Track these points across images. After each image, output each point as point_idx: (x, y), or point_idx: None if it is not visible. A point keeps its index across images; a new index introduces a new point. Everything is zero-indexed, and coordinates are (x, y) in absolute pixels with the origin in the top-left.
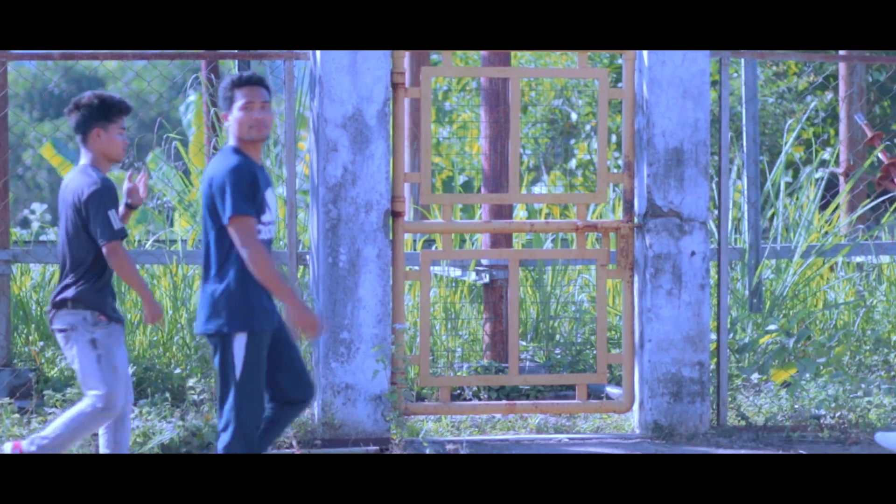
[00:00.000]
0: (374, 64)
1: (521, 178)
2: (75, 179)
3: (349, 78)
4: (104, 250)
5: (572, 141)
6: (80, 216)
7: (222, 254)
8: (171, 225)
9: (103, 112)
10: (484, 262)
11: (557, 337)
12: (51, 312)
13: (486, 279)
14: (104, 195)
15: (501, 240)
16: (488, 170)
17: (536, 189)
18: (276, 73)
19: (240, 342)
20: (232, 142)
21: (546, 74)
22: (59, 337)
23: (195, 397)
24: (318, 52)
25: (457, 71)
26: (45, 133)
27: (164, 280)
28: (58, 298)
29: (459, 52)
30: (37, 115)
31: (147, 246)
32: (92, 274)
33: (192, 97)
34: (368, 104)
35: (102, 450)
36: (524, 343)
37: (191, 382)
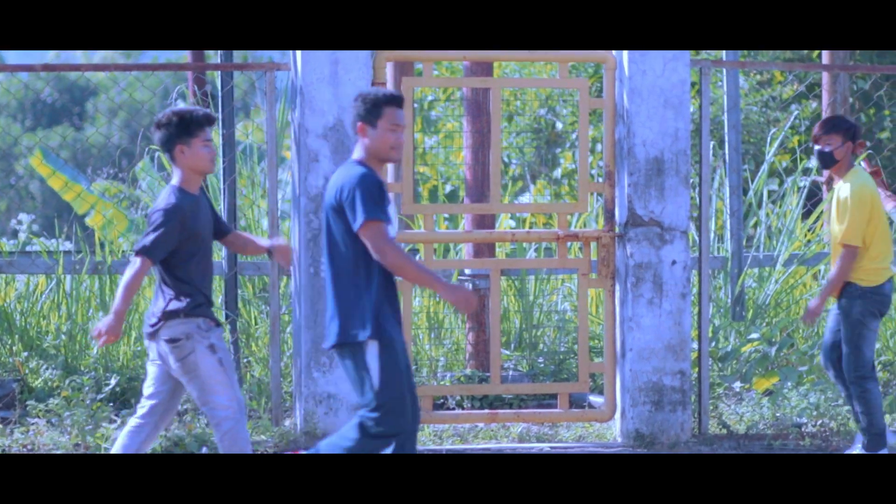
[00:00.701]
0: (355, 74)
1: (507, 187)
2: (159, 197)
3: (330, 88)
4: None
5: (558, 150)
6: None
7: (349, 265)
8: None
9: (183, 128)
10: (467, 271)
11: (541, 346)
12: (156, 324)
13: (469, 288)
14: (160, 215)
15: (484, 249)
16: (471, 180)
17: (524, 198)
18: (261, 84)
19: (372, 351)
20: (359, 155)
21: (527, 84)
22: (168, 347)
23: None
24: (299, 64)
25: (438, 81)
26: (36, 142)
27: (148, 290)
28: (168, 309)
29: (445, 63)
30: (29, 125)
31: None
32: (190, 287)
33: (181, 104)
34: (349, 114)
35: (119, 446)
36: (507, 352)
37: None
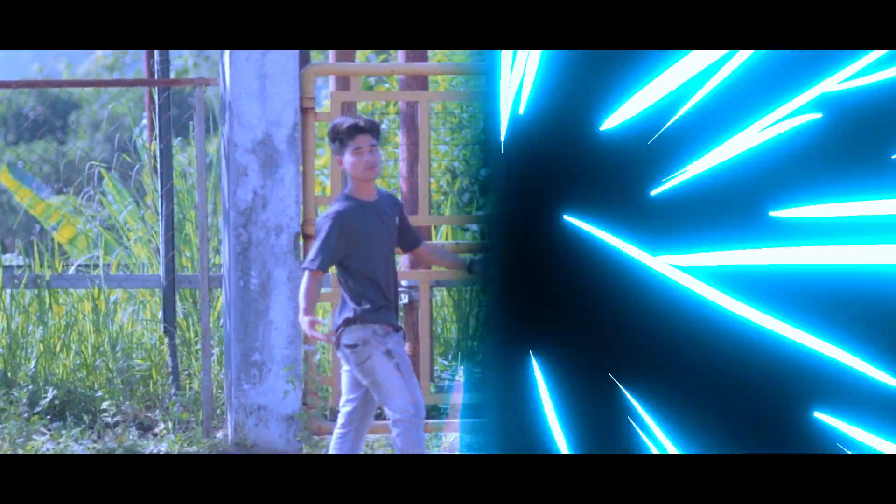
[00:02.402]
0: (283, 89)
1: (455, 199)
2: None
3: (258, 103)
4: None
5: None
6: None
7: None
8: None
9: (335, 139)
10: (403, 283)
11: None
12: (339, 330)
13: (405, 300)
14: (324, 224)
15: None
16: (406, 192)
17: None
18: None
19: None
20: None
21: (455, 98)
22: (347, 353)
23: (108, 419)
24: (227, 78)
25: (366, 95)
26: (21, 157)
27: (86, 303)
28: (346, 316)
29: (395, 76)
30: (11, 139)
31: (71, 270)
32: (365, 293)
33: (145, 119)
34: (278, 129)
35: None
36: (445, 362)
37: (105, 404)
